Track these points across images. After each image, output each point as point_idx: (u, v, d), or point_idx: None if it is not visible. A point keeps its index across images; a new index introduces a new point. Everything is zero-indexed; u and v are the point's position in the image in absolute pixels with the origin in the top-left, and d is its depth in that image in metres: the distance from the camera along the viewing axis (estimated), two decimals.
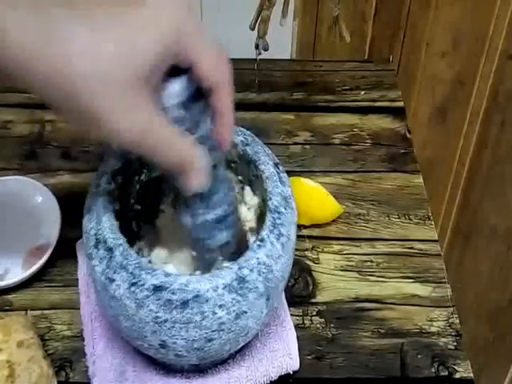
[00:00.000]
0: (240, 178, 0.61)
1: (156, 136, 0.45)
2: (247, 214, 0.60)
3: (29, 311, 0.66)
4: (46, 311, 0.66)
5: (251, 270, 0.51)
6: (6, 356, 0.57)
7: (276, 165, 0.58)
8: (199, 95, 0.47)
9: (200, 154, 0.48)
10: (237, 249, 0.56)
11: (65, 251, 0.70)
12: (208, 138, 0.49)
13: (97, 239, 0.53)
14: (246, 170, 0.59)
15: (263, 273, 0.51)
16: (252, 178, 0.59)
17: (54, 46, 0.40)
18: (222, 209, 0.54)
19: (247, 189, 0.61)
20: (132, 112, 0.43)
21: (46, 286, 0.68)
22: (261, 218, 0.59)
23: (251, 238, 0.60)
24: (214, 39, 0.47)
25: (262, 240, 0.53)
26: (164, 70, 0.44)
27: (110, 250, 0.52)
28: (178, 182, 0.49)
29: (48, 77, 0.41)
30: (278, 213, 0.54)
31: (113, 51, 0.41)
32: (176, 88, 0.46)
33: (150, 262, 0.58)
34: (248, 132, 0.60)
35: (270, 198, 0.55)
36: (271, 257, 0.52)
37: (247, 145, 0.59)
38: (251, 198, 0.60)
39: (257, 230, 0.60)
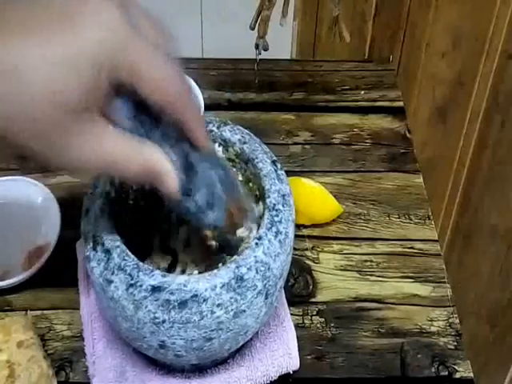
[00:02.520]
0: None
1: (112, 156, 0.43)
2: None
3: (29, 311, 0.66)
4: (45, 311, 0.66)
5: (249, 269, 0.51)
6: (5, 356, 0.57)
7: (274, 162, 0.58)
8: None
9: (163, 156, 0.46)
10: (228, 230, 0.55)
11: (65, 251, 0.70)
12: (169, 135, 0.47)
13: (94, 241, 0.53)
14: (244, 168, 0.60)
15: (261, 271, 0.51)
16: (250, 176, 0.59)
17: None
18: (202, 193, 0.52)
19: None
20: (75, 146, 0.41)
21: (45, 286, 0.68)
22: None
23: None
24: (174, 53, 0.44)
25: (259, 238, 0.53)
26: (107, 88, 0.41)
27: (107, 251, 0.52)
28: (159, 191, 0.47)
29: None
30: (276, 210, 0.54)
31: (37, 91, 0.38)
32: (119, 103, 0.44)
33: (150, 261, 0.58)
34: (246, 130, 0.60)
35: (268, 196, 0.55)
36: (269, 255, 0.52)
37: (245, 143, 0.59)
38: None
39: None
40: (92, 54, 0.39)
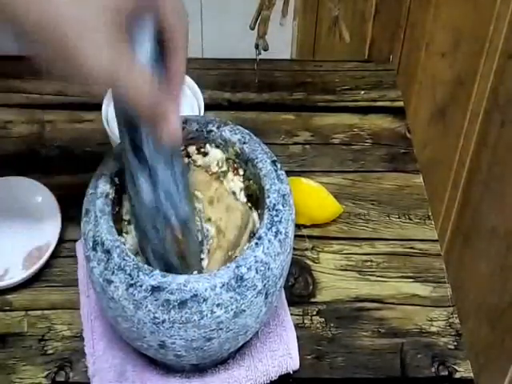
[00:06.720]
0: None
1: (126, 76, 0.46)
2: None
3: (28, 312, 0.66)
4: (46, 311, 0.66)
5: (249, 269, 0.51)
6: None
7: (274, 162, 0.58)
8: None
9: (175, 107, 0.49)
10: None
11: (65, 251, 0.70)
12: None
13: (94, 241, 0.53)
14: (243, 168, 0.60)
15: (261, 271, 0.51)
16: (250, 176, 0.59)
17: None
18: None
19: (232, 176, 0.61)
20: (104, 49, 0.44)
21: (46, 286, 0.68)
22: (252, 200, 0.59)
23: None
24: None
25: (259, 238, 0.53)
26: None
27: (107, 251, 0.52)
28: (153, 134, 0.49)
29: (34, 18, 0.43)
30: (276, 210, 0.54)
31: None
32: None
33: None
34: (246, 130, 0.60)
35: (268, 196, 0.55)
36: (269, 254, 0.52)
37: (245, 143, 0.59)
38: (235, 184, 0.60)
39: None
40: None
